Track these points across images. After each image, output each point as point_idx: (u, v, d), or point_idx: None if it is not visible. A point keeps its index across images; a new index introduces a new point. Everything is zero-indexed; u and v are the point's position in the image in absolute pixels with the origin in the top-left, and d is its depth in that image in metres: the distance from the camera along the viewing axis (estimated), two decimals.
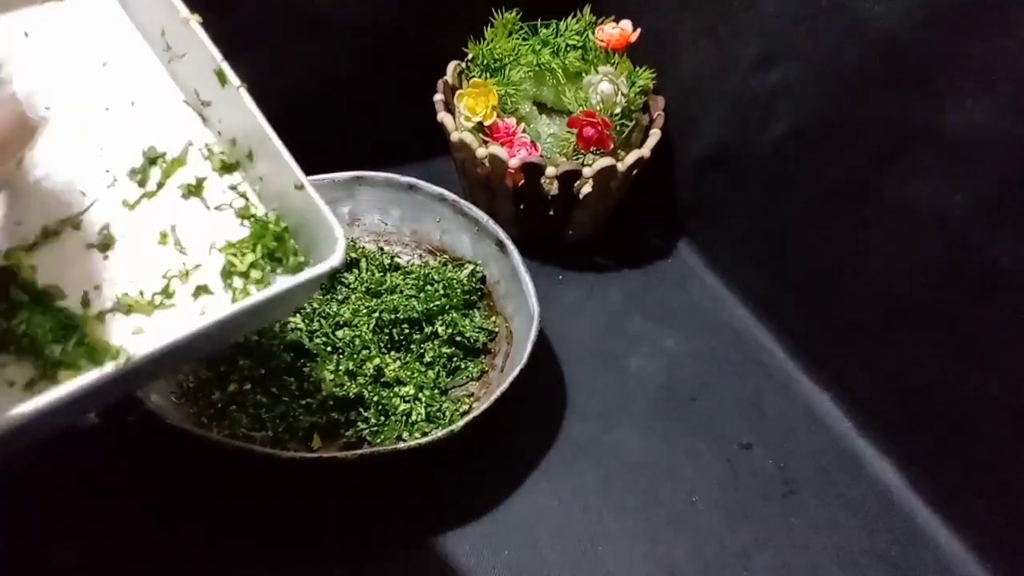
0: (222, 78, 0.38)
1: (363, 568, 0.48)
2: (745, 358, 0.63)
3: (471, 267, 0.62)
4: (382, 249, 0.65)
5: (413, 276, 0.61)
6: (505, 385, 0.49)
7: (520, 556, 0.49)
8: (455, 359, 0.57)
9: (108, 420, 0.52)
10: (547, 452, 0.55)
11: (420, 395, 0.53)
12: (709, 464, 0.55)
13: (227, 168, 0.40)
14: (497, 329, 0.60)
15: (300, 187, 0.37)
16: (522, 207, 0.67)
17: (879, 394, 0.56)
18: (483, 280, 0.62)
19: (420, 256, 0.65)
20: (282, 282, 0.35)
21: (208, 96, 0.40)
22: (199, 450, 0.46)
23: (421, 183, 0.64)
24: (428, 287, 0.60)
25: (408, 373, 0.55)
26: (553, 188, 0.64)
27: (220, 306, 0.35)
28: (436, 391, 0.54)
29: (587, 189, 0.64)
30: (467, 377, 0.57)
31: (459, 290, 0.60)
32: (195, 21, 0.38)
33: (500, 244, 0.60)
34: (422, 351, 0.57)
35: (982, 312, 0.47)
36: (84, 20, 0.39)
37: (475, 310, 0.61)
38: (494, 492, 0.52)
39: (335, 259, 0.34)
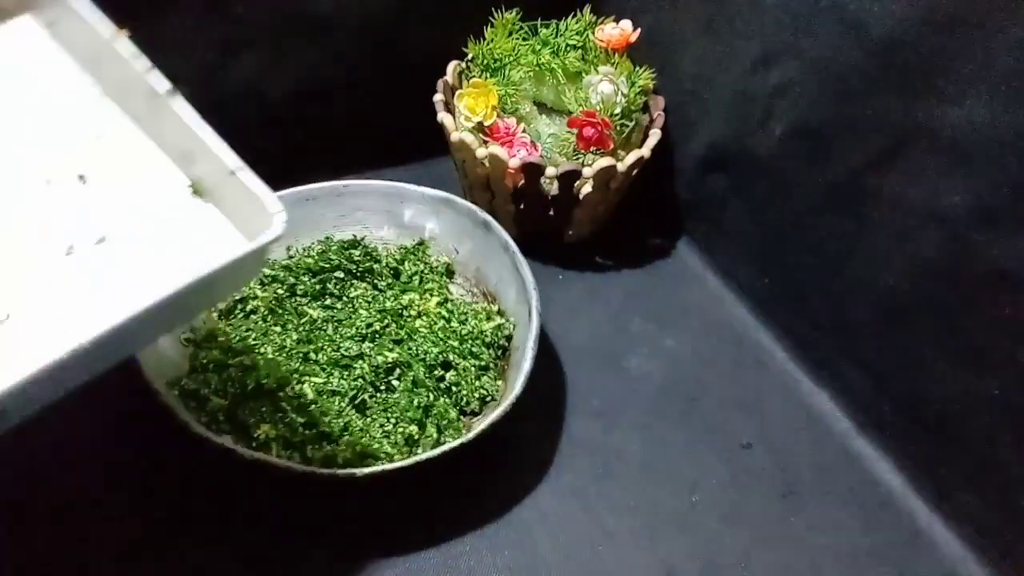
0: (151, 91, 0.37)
1: (362, 568, 0.48)
2: (745, 358, 0.63)
3: (500, 321, 0.58)
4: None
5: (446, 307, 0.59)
6: (492, 417, 0.49)
7: (520, 556, 0.49)
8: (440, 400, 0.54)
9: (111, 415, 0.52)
10: (547, 452, 0.55)
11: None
12: (709, 464, 0.55)
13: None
14: (496, 396, 0.55)
15: (233, 173, 0.37)
16: (522, 207, 0.67)
17: (879, 394, 0.56)
18: (508, 339, 0.58)
19: (472, 295, 0.62)
20: (237, 250, 0.35)
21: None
22: (194, 447, 0.46)
23: (494, 223, 0.61)
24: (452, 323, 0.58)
25: (405, 386, 0.54)
26: (553, 188, 0.64)
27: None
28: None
29: (587, 189, 0.64)
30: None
31: (480, 341, 0.57)
32: (124, 35, 0.38)
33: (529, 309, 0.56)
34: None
35: (982, 312, 0.47)
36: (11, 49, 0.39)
37: (487, 371, 0.56)
38: (494, 492, 0.52)
39: (275, 230, 0.35)
